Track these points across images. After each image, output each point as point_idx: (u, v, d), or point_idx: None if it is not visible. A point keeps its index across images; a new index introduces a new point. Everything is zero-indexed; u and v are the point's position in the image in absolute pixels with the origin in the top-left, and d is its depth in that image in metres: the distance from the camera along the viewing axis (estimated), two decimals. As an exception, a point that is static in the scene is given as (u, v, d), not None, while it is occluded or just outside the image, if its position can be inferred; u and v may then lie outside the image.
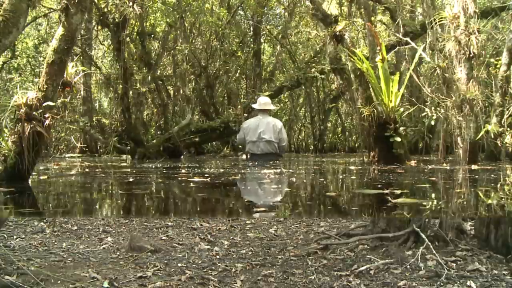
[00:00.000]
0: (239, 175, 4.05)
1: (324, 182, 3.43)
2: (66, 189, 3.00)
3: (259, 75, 13.57)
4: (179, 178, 3.57)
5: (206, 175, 3.89)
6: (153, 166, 5.71)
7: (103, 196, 2.18)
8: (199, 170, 4.69)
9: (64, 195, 2.52)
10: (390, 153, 5.56)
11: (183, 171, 4.63)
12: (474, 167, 4.89)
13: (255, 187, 3.01)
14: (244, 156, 10.46)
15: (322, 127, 17.69)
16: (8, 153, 3.14)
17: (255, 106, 7.33)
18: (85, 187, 3.09)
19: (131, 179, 3.65)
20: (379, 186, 2.80)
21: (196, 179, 3.48)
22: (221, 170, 4.74)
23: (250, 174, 4.12)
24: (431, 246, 2.86)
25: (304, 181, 3.49)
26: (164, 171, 4.58)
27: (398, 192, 2.40)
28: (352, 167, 5.34)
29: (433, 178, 3.49)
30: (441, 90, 5.96)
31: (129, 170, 4.94)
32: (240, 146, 12.68)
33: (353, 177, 3.84)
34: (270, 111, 7.33)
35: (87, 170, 5.16)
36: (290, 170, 4.69)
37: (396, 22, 8.90)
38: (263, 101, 7.19)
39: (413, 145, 11.11)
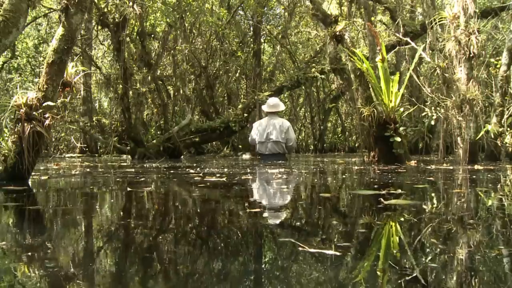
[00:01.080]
0: (249, 174, 4.07)
1: (323, 181, 3.42)
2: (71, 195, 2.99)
3: (259, 75, 13.57)
4: (195, 178, 3.54)
5: (217, 175, 3.90)
6: (158, 166, 5.70)
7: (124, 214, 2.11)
8: (208, 170, 4.69)
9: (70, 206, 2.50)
10: (390, 153, 5.58)
11: (192, 171, 4.63)
12: (477, 167, 4.88)
13: (266, 187, 3.02)
14: (244, 156, 10.51)
15: (322, 127, 17.72)
16: (8, 153, 3.14)
17: (264, 108, 7.50)
18: (95, 192, 3.07)
19: (141, 179, 3.62)
20: (376, 186, 2.79)
21: (211, 178, 3.48)
22: (226, 170, 4.73)
23: (260, 174, 4.15)
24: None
25: (307, 181, 3.48)
26: (172, 171, 4.54)
27: (395, 192, 2.38)
28: (351, 167, 5.34)
29: (434, 179, 3.49)
30: (441, 90, 5.96)
31: (133, 170, 4.90)
32: (241, 146, 12.82)
33: (351, 177, 3.84)
34: (279, 112, 7.49)
35: (88, 170, 5.15)
36: (294, 170, 4.72)
37: (396, 22, 8.90)
38: (271, 103, 7.32)
39: (413, 145, 11.12)
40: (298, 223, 1.63)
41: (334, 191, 2.67)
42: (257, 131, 7.21)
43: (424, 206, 1.95)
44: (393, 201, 2.01)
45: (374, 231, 1.45)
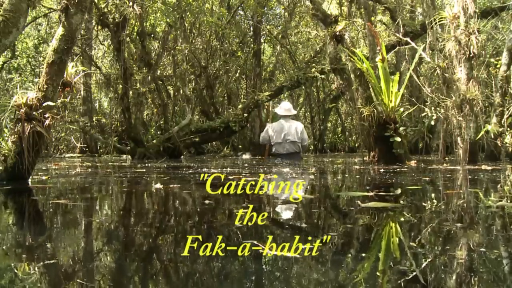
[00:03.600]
0: (270, 174, 4.11)
1: (322, 182, 3.42)
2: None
3: (259, 75, 13.56)
4: (229, 177, 3.48)
5: (243, 174, 3.91)
6: (163, 166, 5.66)
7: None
8: (228, 170, 4.69)
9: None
10: (390, 153, 5.57)
11: (213, 170, 4.63)
12: (484, 167, 4.86)
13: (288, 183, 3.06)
14: (244, 156, 10.50)
15: (322, 127, 17.70)
16: (8, 153, 3.14)
17: (277, 111, 8.01)
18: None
19: (164, 178, 3.58)
20: (368, 187, 2.77)
21: (249, 178, 3.48)
22: (246, 170, 4.74)
23: (280, 174, 4.19)
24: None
25: (307, 181, 3.48)
26: (190, 171, 4.45)
27: (384, 194, 2.36)
28: (351, 167, 5.33)
29: (431, 179, 3.47)
30: (441, 90, 5.96)
31: (144, 170, 4.77)
32: (241, 146, 12.83)
33: (347, 178, 3.84)
34: (292, 115, 8.01)
35: (89, 170, 5.13)
36: (303, 169, 4.77)
37: (396, 22, 8.89)
38: (286, 107, 7.90)
39: (413, 145, 11.12)
40: (268, 225, 1.61)
41: (320, 192, 2.65)
42: (272, 132, 7.72)
43: (401, 210, 1.89)
44: (371, 204, 1.99)
45: (338, 235, 1.44)
